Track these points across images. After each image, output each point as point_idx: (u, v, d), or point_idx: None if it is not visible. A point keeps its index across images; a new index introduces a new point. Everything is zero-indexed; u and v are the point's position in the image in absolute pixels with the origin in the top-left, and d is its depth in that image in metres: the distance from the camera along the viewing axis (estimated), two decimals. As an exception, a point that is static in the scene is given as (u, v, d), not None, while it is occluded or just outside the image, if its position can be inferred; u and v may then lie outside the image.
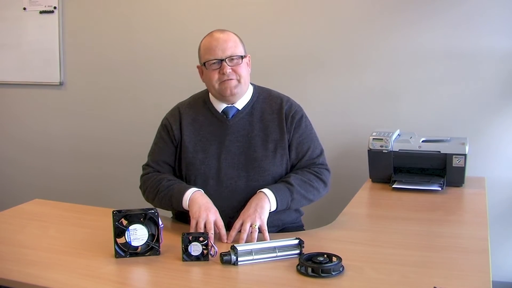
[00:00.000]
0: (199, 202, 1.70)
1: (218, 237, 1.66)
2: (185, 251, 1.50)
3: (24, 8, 3.52)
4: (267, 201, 1.72)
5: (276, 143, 1.86)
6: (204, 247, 1.50)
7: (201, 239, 1.51)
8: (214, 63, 1.81)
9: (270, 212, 1.72)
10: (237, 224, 1.67)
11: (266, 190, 1.75)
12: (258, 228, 1.65)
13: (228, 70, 1.79)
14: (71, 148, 3.59)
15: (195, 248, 1.50)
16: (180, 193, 1.75)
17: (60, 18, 3.46)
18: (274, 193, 1.74)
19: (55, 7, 3.45)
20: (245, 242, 1.60)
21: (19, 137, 3.72)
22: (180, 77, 3.16)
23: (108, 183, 3.50)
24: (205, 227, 1.64)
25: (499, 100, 2.68)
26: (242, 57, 1.83)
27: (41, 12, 3.48)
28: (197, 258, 1.50)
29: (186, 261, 1.50)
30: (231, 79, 1.81)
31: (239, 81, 1.83)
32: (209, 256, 1.51)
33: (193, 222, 1.66)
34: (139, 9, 3.30)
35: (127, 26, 3.34)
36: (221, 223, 1.67)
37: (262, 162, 1.84)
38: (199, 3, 3.16)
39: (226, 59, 1.80)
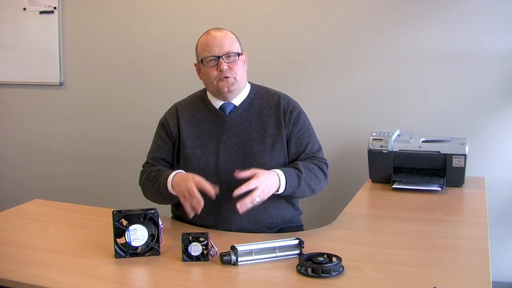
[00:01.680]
0: (178, 181, 1.72)
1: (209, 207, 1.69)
2: (185, 251, 1.50)
3: (24, 8, 3.52)
4: (276, 188, 1.72)
5: (273, 137, 1.87)
6: (204, 247, 1.50)
7: (201, 239, 1.51)
8: (211, 60, 1.83)
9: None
10: (251, 185, 1.64)
11: (281, 175, 1.74)
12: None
13: (225, 66, 1.81)
14: (71, 148, 3.59)
15: (195, 248, 1.50)
16: (165, 180, 1.76)
17: (60, 18, 3.46)
18: (286, 178, 1.74)
19: (55, 7, 3.45)
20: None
21: (19, 137, 3.72)
22: (180, 77, 3.16)
23: (108, 183, 3.50)
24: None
25: (499, 100, 2.68)
26: (238, 54, 1.85)
27: (41, 12, 3.48)
28: (197, 258, 1.50)
29: (186, 261, 1.50)
30: (228, 76, 1.83)
31: (235, 78, 1.85)
32: (209, 256, 1.51)
33: (181, 200, 1.68)
34: (138, 9, 3.30)
35: (127, 26, 3.34)
36: (200, 181, 1.66)
37: (260, 157, 1.85)
38: (198, 3, 3.16)
39: (223, 56, 1.82)
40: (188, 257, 1.50)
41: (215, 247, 1.52)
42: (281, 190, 1.75)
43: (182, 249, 1.51)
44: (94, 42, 3.43)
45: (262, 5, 3.05)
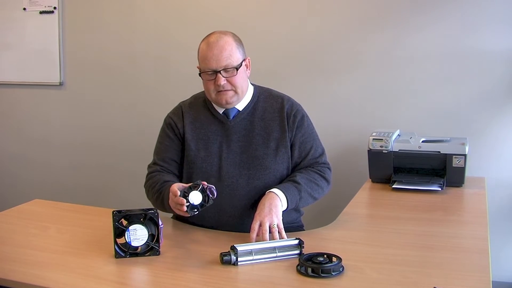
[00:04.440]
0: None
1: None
2: (188, 204, 1.51)
3: (24, 8, 3.52)
4: (279, 200, 1.72)
5: (277, 141, 1.86)
6: (202, 192, 1.51)
7: (195, 187, 1.52)
8: (209, 74, 1.79)
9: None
10: (255, 226, 1.64)
11: (276, 190, 1.75)
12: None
13: (222, 82, 1.77)
14: (71, 147, 3.59)
15: (196, 197, 1.50)
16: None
17: (60, 18, 3.46)
18: (284, 192, 1.75)
19: (55, 7, 3.45)
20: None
21: (19, 137, 3.72)
22: (180, 77, 3.17)
23: (108, 182, 3.50)
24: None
25: (499, 100, 2.68)
26: (237, 69, 1.79)
27: (41, 12, 3.48)
28: (202, 206, 1.50)
29: (193, 215, 1.52)
30: (226, 90, 1.80)
31: (235, 91, 1.82)
32: (211, 200, 1.52)
33: (175, 211, 1.65)
34: (139, 9, 3.30)
35: (127, 26, 3.34)
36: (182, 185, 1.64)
37: (263, 160, 1.84)
38: (199, 3, 3.16)
39: (221, 71, 1.77)
40: (192, 209, 1.51)
41: (212, 188, 1.54)
42: (284, 208, 1.74)
43: (186, 204, 1.50)
44: (94, 42, 3.43)
45: (261, 5, 3.05)
